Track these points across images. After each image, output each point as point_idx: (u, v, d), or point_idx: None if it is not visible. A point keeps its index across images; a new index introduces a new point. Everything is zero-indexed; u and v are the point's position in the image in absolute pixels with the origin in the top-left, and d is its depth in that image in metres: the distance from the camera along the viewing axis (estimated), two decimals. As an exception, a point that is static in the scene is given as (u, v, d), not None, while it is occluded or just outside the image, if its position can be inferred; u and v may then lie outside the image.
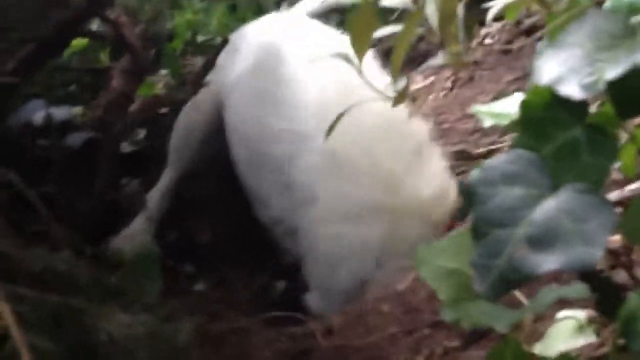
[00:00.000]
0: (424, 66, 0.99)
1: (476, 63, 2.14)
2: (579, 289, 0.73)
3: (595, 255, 0.65)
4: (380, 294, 1.36)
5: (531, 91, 0.73)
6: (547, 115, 0.73)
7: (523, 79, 2.01)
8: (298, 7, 2.11)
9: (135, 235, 2.02)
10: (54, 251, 0.87)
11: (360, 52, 0.92)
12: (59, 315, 0.69)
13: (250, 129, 1.88)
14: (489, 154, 1.83)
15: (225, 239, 2.11)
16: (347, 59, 0.93)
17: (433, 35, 0.95)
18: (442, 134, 1.95)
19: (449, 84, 2.13)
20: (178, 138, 2.14)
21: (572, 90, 0.68)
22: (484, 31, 2.15)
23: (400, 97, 0.93)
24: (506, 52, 2.15)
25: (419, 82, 2.23)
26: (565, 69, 0.71)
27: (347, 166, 1.59)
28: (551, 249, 0.67)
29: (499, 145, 1.82)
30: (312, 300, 1.62)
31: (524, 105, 0.74)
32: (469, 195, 0.74)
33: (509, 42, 2.18)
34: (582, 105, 0.71)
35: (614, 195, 1.20)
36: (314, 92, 1.67)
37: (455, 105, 2.02)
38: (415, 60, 2.10)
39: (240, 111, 1.94)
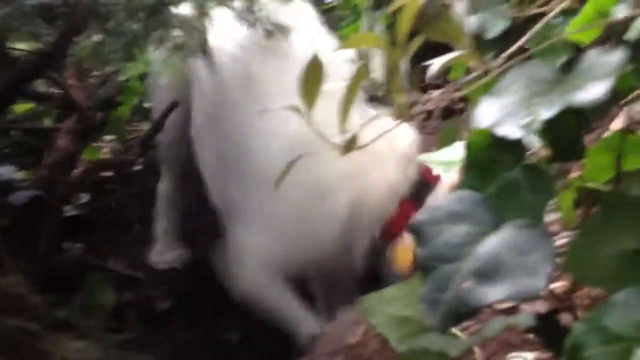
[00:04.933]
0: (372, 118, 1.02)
1: (418, 127, 2.21)
2: (524, 317, 0.76)
3: (538, 285, 0.68)
4: (331, 348, 1.37)
5: (473, 134, 0.78)
6: (489, 156, 0.77)
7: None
8: None
9: (167, 248, 2.17)
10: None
11: (309, 103, 0.96)
12: (15, 338, 0.68)
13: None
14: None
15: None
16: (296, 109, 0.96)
17: (378, 88, 0.99)
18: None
19: (392, 147, 2.19)
20: (165, 146, 2.18)
21: (509, 130, 0.73)
22: (424, 97, 2.23)
23: (349, 145, 0.97)
24: (446, 117, 2.23)
25: (362, 145, 2.28)
26: (503, 113, 0.76)
27: None
28: (496, 281, 0.70)
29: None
30: None
31: (468, 148, 0.79)
32: (416, 234, 0.78)
33: (449, 107, 2.26)
34: (520, 146, 0.75)
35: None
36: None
37: (399, 167, 2.07)
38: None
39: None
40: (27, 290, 0.81)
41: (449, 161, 1.08)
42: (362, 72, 0.97)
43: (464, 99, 2.33)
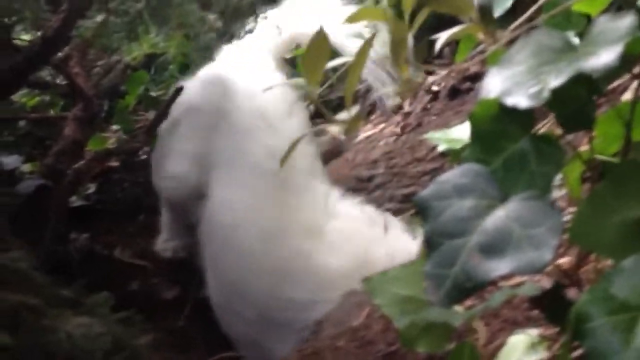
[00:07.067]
0: (375, 95, 1.01)
1: (425, 109, 2.19)
2: (529, 287, 0.74)
3: (545, 258, 0.66)
4: (335, 331, 1.36)
5: (479, 105, 0.76)
6: (495, 128, 0.75)
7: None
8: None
9: (172, 237, 2.18)
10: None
11: (313, 80, 0.94)
12: (18, 314, 0.67)
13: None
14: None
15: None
16: (300, 84, 0.95)
17: (385, 63, 0.98)
18: (392, 178, 1.99)
19: (398, 130, 2.17)
20: None
21: (518, 100, 0.71)
22: (430, 78, 2.21)
23: (354, 123, 0.95)
24: (452, 98, 2.20)
25: (369, 130, 2.27)
26: (511, 83, 0.73)
27: None
28: (503, 255, 0.68)
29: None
30: None
31: (473, 119, 0.77)
32: (422, 209, 0.76)
33: (455, 88, 2.23)
34: (528, 116, 0.73)
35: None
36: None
37: (405, 150, 2.06)
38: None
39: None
40: (30, 266, 0.80)
41: (455, 139, 1.06)
42: (367, 47, 0.95)
43: (470, 79, 2.32)
